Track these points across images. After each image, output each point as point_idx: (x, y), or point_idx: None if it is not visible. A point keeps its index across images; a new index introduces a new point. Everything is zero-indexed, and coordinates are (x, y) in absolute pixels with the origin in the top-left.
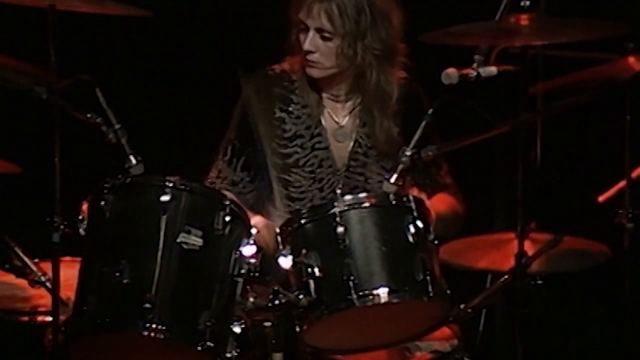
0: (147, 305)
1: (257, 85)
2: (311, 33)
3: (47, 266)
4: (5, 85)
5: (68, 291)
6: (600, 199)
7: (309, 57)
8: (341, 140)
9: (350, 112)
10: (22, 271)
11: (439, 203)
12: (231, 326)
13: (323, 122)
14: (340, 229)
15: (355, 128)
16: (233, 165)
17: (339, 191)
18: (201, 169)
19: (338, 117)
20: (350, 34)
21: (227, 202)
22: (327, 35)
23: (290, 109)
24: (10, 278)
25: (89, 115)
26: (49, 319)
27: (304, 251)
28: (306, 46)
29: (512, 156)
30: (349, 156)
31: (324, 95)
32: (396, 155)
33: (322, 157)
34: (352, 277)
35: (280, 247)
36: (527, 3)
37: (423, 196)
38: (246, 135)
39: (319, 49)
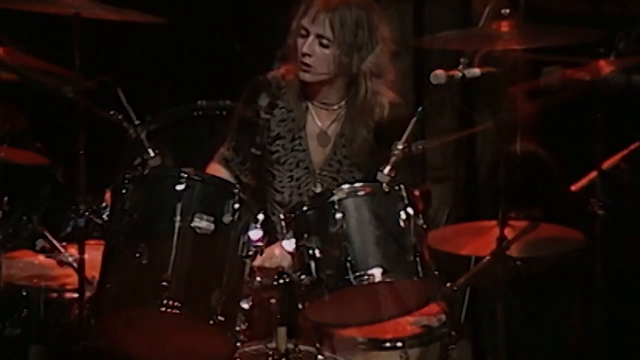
0: (164, 284)
1: (248, 91)
2: (311, 38)
3: (73, 248)
4: (35, 86)
5: (92, 271)
6: (573, 188)
7: (304, 59)
8: (324, 144)
9: (334, 119)
10: (51, 253)
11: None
12: (240, 303)
13: (307, 126)
14: (338, 215)
15: (336, 135)
16: (229, 147)
17: (318, 190)
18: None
19: (323, 123)
20: (348, 44)
21: (236, 191)
22: (325, 42)
23: (274, 112)
24: (41, 259)
25: (111, 112)
26: (75, 295)
27: (305, 235)
28: (304, 49)
29: (493, 150)
30: (324, 160)
31: (314, 102)
32: (366, 168)
33: (299, 159)
34: (349, 259)
35: (284, 231)
36: (507, 11)
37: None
38: (241, 128)
39: (315, 54)
